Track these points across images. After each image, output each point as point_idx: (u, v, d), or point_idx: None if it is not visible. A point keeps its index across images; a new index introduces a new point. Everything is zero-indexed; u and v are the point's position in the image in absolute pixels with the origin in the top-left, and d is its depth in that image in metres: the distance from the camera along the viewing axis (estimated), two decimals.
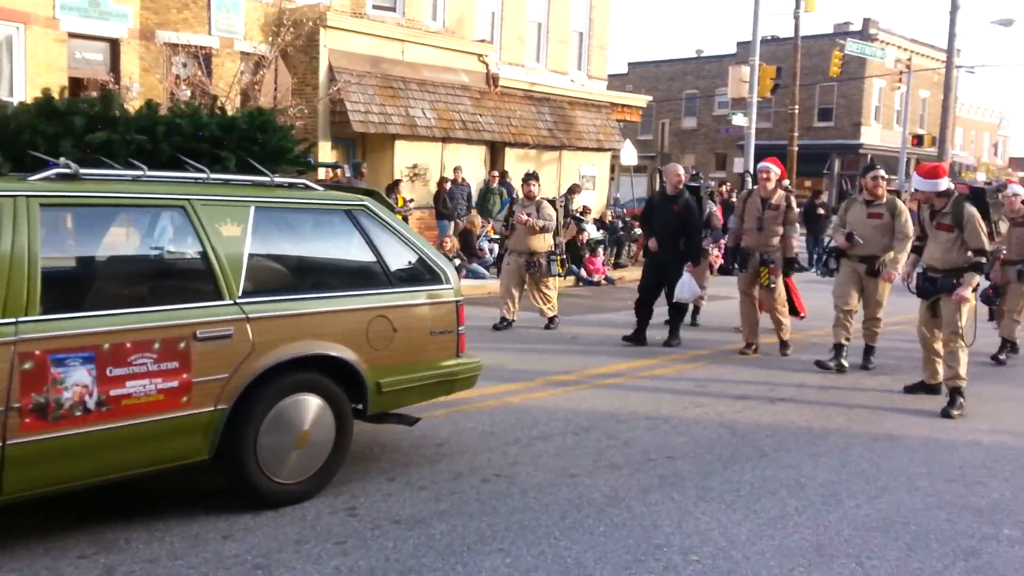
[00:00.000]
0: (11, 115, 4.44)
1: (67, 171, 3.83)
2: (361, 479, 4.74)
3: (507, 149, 20.22)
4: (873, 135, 41.72)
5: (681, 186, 9.22)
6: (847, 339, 8.19)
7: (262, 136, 4.75)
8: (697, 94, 46.74)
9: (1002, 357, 9.03)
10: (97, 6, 14.77)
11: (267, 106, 14.14)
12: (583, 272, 15.44)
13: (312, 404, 4.37)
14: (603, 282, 15.32)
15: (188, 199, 4.14)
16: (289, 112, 14.77)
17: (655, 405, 6.68)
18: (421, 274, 4.97)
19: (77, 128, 4.29)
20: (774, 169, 8.79)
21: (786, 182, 9.29)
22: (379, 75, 17.42)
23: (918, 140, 36.16)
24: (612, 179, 24.43)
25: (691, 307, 10.54)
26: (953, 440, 6.08)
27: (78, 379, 3.59)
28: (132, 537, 3.91)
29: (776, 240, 8.70)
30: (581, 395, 6.94)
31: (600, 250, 16.23)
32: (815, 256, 16.51)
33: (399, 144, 17.84)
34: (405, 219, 14.96)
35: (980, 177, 39.54)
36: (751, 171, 9.30)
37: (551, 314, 10.10)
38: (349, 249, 4.86)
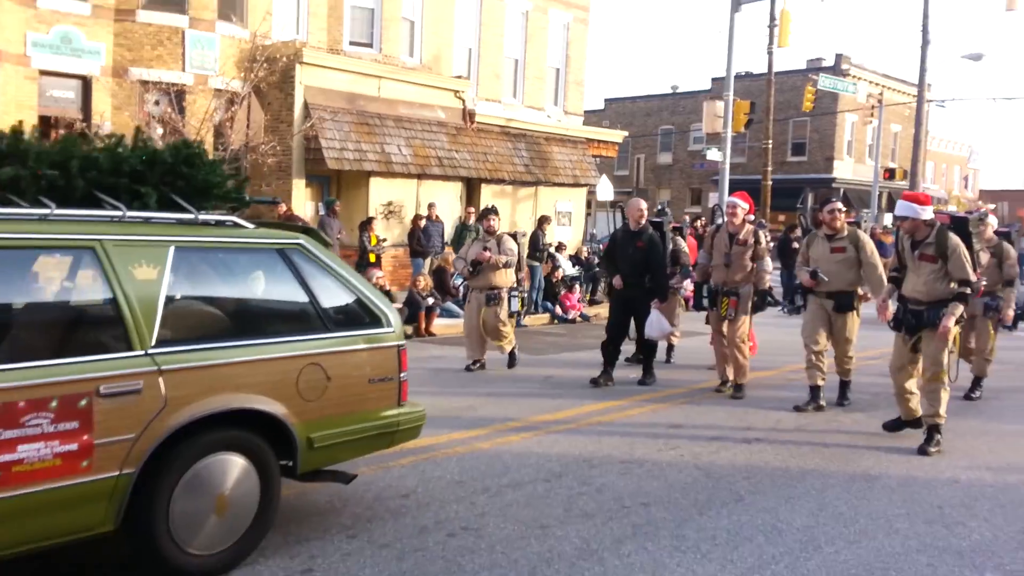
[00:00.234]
0: None
1: None
2: (320, 536, 4.54)
3: (483, 185, 20.20)
4: (846, 169, 42.21)
5: (644, 221, 9.08)
6: (823, 379, 8.08)
7: (188, 170, 4.45)
8: (673, 129, 47.20)
9: (975, 395, 8.97)
10: (69, 43, 14.67)
11: (239, 143, 14.13)
12: (558, 309, 15.33)
13: (234, 464, 4.00)
14: (578, 319, 15.21)
15: (98, 239, 3.79)
16: (261, 149, 14.67)
17: (629, 448, 6.54)
18: (360, 317, 4.66)
19: None
20: (741, 204, 8.66)
21: (753, 217, 9.23)
22: (355, 111, 17.39)
23: (890, 174, 36.63)
24: (588, 214, 24.48)
25: (665, 344, 10.45)
26: (931, 478, 5.98)
27: None
28: None
29: (743, 276, 8.56)
30: (553, 439, 6.78)
31: (576, 286, 16.14)
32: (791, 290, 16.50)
33: (374, 181, 17.77)
34: (378, 258, 14.90)
35: (952, 209, 40.00)
36: (722, 206, 9.17)
37: (509, 348, 9.88)
38: (280, 291, 4.55)
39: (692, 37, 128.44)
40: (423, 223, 16.15)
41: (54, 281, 4.17)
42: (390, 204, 18.11)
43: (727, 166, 21.69)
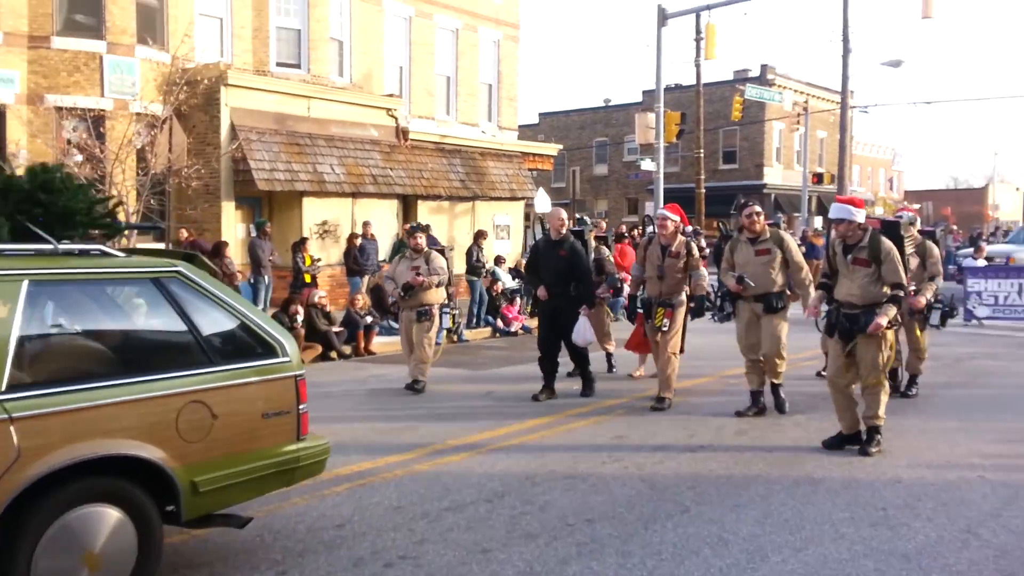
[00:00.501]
0: None
1: None
2: (249, 574, 4.28)
3: (420, 202, 20.04)
4: (776, 175, 43.14)
5: (564, 230, 8.97)
6: (762, 383, 8.08)
7: (46, 196, 4.13)
8: (607, 141, 47.67)
9: (911, 393, 9.07)
10: None
11: (162, 167, 13.70)
12: (500, 323, 15.20)
13: (106, 516, 3.64)
14: (520, 331, 15.09)
15: None
16: (184, 172, 14.26)
17: (572, 463, 6.39)
18: (251, 348, 4.30)
19: None
20: (672, 217, 8.52)
21: (689, 228, 9.19)
22: (284, 132, 17.09)
23: (818, 178, 37.57)
24: (527, 227, 24.46)
25: (604, 355, 10.39)
26: (874, 480, 5.97)
27: None
28: None
29: (676, 287, 8.45)
30: (495, 457, 6.60)
31: (517, 299, 16.04)
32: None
33: (307, 201, 17.47)
34: (314, 278, 14.57)
35: (878, 211, 41.15)
36: (653, 215, 9.08)
37: (423, 378, 9.39)
38: (156, 324, 4.18)
39: (622, 51, 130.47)
40: (359, 241, 15.91)
41: None
42: (325, 223, 17.83)
43: (661, 176, 21.91)
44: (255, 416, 4.19)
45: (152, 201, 13.93)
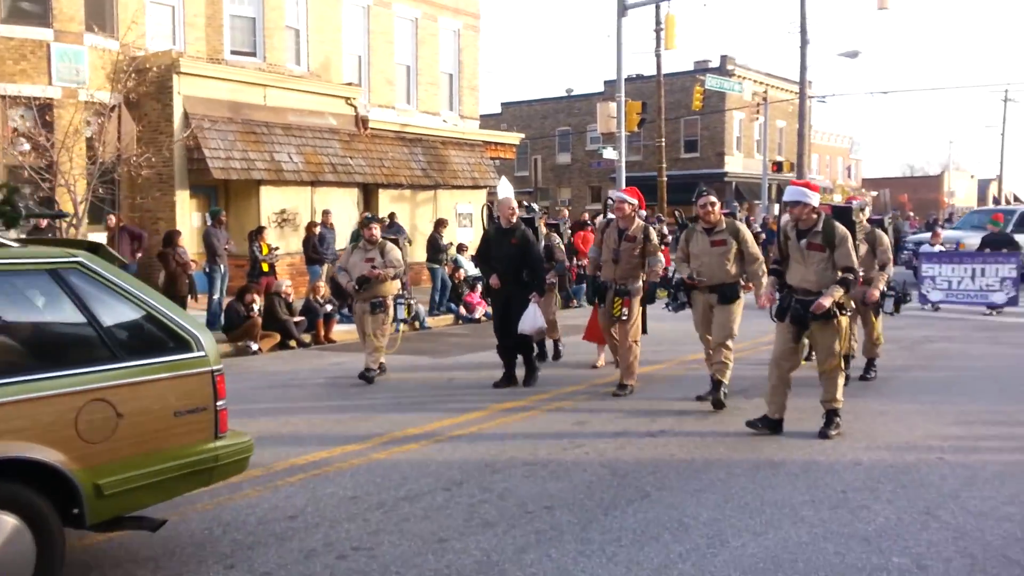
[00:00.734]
0: None
1: None
2: (195, 570, 4.13)
3: (381, 190, 19.83)
4: (736, 164, 43.45)
5: (515, 219, 8.86)
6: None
7: None
8: (570, 130, 47.64)
9: (870, 376, 9.13)
10: None
11: (110, 155, 13.33)
12: (462, 310, 15.09)
13: (0, 523, 3.42)
14: (483, 318, 14.98)
15: None
16: (134, 161, 13.91)
17: (533, 449, 6.31)
18: (161, 342, 4.07)
19: None
20: (629, 200, 8.39)
21: (644, 212, 9.10)
22: (240, 120, 16.77)
23: (778, 166, 37.88)
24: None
25: (551, 343, 10.35)
26: (833, 462, 5.97)
27: None
28: None
29: (632, 271, 8.33)
30: (455, 444, 6.49)
31: (479, 285, 15.93)
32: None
33: (265, 190, 17.19)
34: (272, 267, 14.31)
35: (837, 198, 41.64)
36: (612, 200, 8.97)
37: (375, 367, 9.17)
38: (54, 318, 3.90)
39: (584, 41, 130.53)
40: (318, 230, 15.67)
41: None
42: (284, 212, 17.57)
43: (623, 164, 21.89)
44: (166, 414, 3.98)
45: (100, 190, 13.56)
